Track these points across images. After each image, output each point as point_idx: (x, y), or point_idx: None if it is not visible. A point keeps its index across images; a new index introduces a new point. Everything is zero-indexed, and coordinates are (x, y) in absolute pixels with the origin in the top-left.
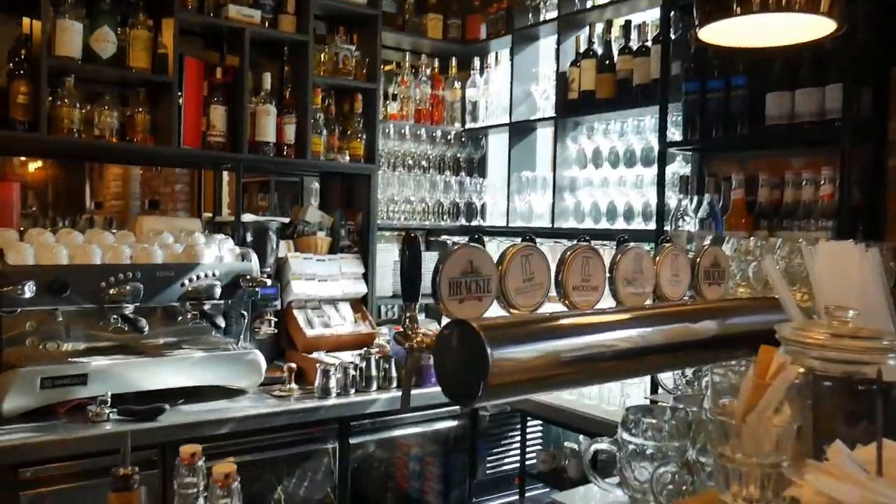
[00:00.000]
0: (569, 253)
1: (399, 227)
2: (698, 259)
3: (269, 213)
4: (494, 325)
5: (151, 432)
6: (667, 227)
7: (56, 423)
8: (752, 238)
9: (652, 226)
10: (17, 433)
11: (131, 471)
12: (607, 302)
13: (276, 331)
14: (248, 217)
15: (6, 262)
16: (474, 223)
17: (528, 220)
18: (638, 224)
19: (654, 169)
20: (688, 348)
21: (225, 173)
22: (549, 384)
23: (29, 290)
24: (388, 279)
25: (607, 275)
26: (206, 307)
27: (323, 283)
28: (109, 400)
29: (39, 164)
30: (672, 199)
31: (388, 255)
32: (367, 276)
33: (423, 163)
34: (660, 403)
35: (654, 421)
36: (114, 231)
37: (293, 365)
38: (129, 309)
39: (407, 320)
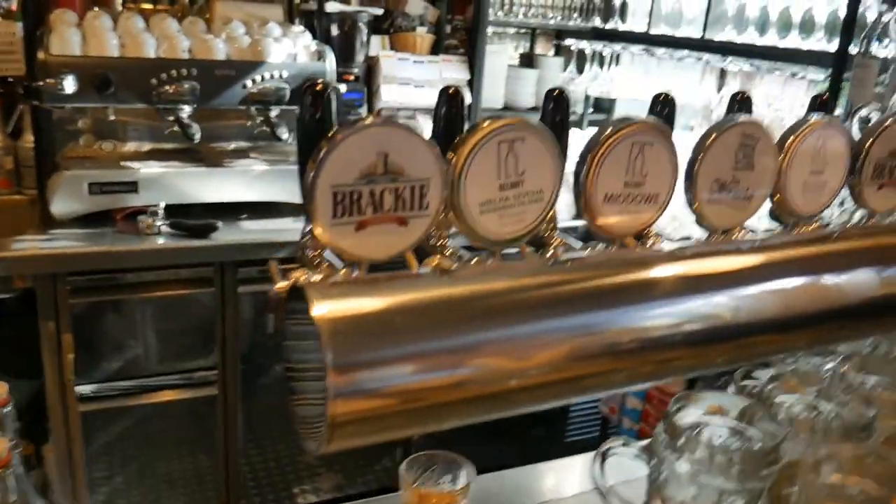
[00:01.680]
0: (608, 135)
1: (517, 24)
2: (869, 143)
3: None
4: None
5: (207, 250)
6: (854, 50)
7: (106, 232)
8: None
9: (835, 45)
10: (65, 240)
11: None
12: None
13: None
14: (333, 6)
15: (49, 50)
16: (610, 25)
17: (675, 24)
18: (818, 41)
19: None
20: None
21: None
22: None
23: (69, 85)
24: (498, 89)
25: (679, 173)
26: (274, 113)
27: (419, 89)
28: (161, 211)
29: None
30: (872, 8)
31: (500, 58)
32: (473, 84)
33: None
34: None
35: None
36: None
37: None
38: (185, 111)
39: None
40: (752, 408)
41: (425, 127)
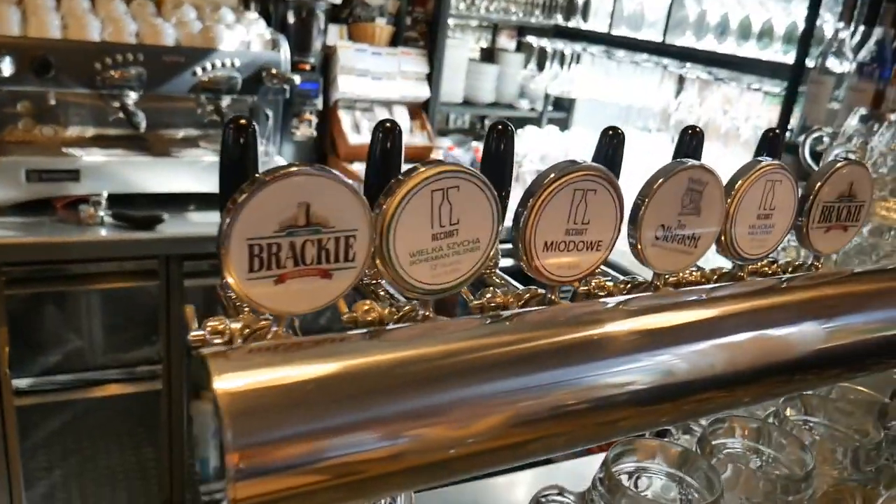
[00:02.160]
0: (550, 181)
1: (478, 17)
2: (818, 186)
3: None
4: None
5: (152, 242)
6: (811, 63)
7: (45, 221)
8: None
9: (793, 57)
10: (1, 228)
11: None
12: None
13: (315, 133)
14: None
15: None
16: (572, 23)
17: (636, 27)
18: (775, 52)
19: None
20: (772, 376)
21: None
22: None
23: (6, 67)
24: (458, 83)
25: (620, 217)
26: (225, 103)
27: (377, 81)
28: (104, 201)
29: None
30: (830, 23)
31: (460, 52)
32: (432, 78)
33: None
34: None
35: None
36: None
37: None
38: (131, 98)
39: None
40: (691, 457)
41: (380, 117)
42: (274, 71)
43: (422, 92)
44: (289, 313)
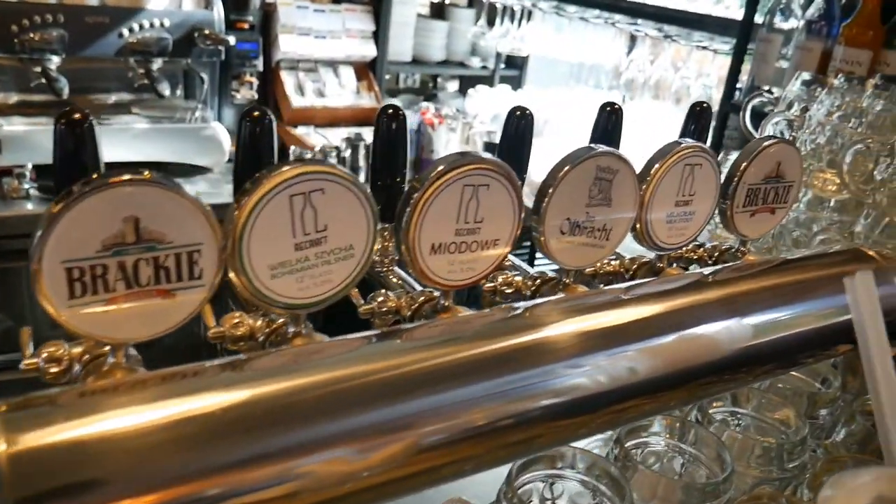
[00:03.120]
0: (436, 176)
1: None
2: (743, 167)
3: None
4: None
5: None
6: (760, 19)
7: None
8: (875, 78)
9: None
10: None
11: None
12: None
13: (256, 96)
14: None
15: None
16: None
17: None
18: (727, 7)
19: None
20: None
21: None
22: None
23: None
24: (406, 41)
25: (520, 212)
26: (156, 66)
27: (321, 39)
28: (29, 173)
29: None
30: None
31: (409, 9)
32: (379, 36)
33: None
34: None
35: None
36: None
37: None
38: (53, 62)
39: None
40: (602, 464)
41: (329, 83)
42: (207, 31)
43: (368, 51)
44: (125, 341)
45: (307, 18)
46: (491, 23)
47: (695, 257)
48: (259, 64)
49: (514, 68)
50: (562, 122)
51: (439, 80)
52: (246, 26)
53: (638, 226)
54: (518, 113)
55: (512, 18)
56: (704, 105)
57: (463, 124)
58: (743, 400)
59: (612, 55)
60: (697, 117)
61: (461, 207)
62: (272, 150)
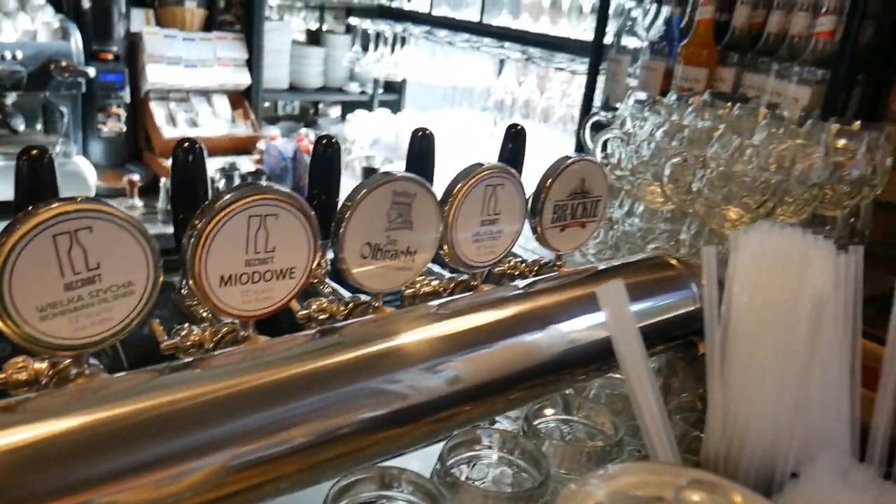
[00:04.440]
0: (221, 207)
1: None
2: (548, 184)
3: None
4: None
5: None
6: (610, 41)
7: None
8: (705, 95)
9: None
10: None
11: None
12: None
13: (124, 128)
14: None
15: None
16: (396, 3)
17: (455, 6)
18: (588, 30)
19: None
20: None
21: None
22: None
23: None
24: (282, 68)
25: (314, 240)
26: (9, 100)
27: (192, 69)
28: None
29: None
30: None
31: (283, 36)
32: (252, 64)
33: None
34: None
35: None
36: None
37: (135, 177)
38: None
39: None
40: (426, 484)
41: (202, 112)
42: (64, 63)
43: (242, 79)
44: None
45: (176, 47)
46: (365, 48)
47: (517, 273)
48: (126, 95)
49: (392, 93)
50: (440, 144)
51: (320, 106)
52: (110, 57)
53: (445, 246)
54: (420, 134)
55: (386, 43)
56: (518, 127)
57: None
58: (574, 407)
59: (483, 78)
60: (513, 139)
61: (249, 238)
62: (54, 187)
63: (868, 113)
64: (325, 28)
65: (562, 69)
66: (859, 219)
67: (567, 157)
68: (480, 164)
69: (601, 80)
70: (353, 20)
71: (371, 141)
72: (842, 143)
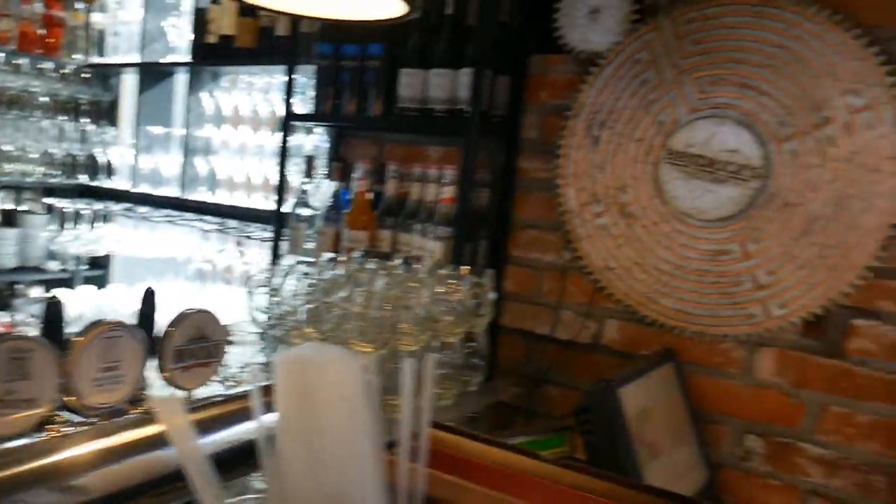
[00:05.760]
0: None
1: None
2: (169, 331)
3: None
4: None
5: None
6: (288, 209)
7: None
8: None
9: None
10: None
11: None
12: None
13: None
14: None
15: None
16: (96, 182)
17: (155, 184)
18: (273, 201)
19: (303, 137)
20: None
21: None
22: None
23: None
24: None
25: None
26: None
27: None
28: None
29: None
30: (297, 176)
31: None
32: None
33: (40, 101)
34: None
35: None
36: None
37: None
38: None
39: None
40: None
41: None
42: None
43: None
44: None
45: None
46: (62, 226)
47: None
48: None
49: (98, 268)
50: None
51: (20, 286)
52: None
53: (67, 392)
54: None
55: (86, 221)
56: (151, 289)
57: None
58: None
59: (185, 249)
60: (146, 299)
61: None
62: None
63: (494, 260)
64: (20, 208)
65: (248, 237)
66: (477, 343)
67: (188, 309)
68: (99, 321)
69: (286, 245)
70: (50, 200)
71: (74, 317)
72: (451, 284)
